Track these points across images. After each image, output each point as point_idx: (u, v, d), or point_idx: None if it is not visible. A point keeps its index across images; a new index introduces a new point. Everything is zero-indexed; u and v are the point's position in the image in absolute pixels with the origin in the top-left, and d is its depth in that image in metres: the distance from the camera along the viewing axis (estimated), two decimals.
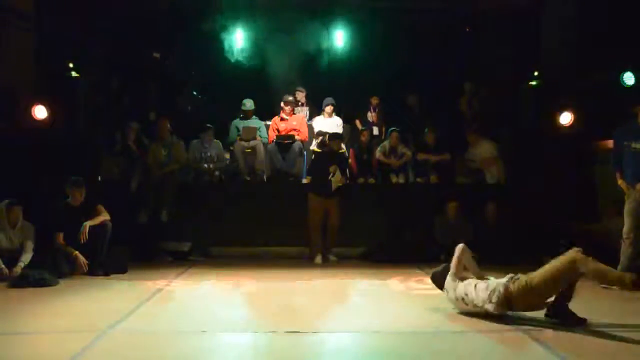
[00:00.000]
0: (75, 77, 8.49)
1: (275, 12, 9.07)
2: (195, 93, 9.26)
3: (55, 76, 8.32)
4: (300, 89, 9.29)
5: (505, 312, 3.93)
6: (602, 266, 3.79)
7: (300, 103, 9.23)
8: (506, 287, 3.87)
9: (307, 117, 9.17)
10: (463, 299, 4.09)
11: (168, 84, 9.18)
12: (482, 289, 3.97)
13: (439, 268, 4.39)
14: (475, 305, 4.01)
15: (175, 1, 9.07)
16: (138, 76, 9.09)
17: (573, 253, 3.80)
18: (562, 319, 3.88)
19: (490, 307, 3.90)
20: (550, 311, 3.94)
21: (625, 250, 5.43)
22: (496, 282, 3.97)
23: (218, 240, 7.71)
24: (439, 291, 4.82)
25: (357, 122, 9.48)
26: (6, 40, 7.80)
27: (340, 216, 7.31)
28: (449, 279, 4.22)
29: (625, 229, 5.44)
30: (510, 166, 8.19)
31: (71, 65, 8.37)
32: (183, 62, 9.32)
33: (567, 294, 3.89)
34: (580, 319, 3.87)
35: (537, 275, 3.82)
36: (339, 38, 9.63)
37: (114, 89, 8.91)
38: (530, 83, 9.15)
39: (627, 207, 5.46)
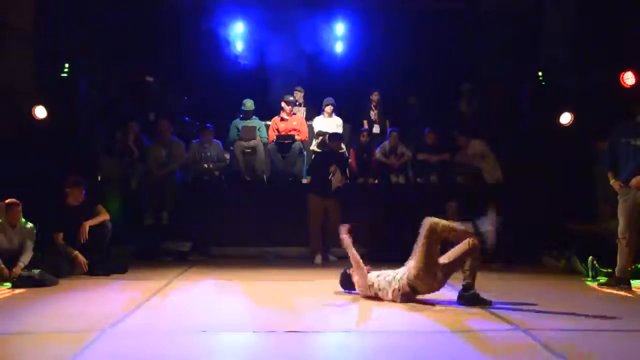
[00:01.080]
0: (75, 77, 8.49)
1: (275, 9, 9.08)
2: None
3: (55, 76, 8.34)
4: (299, 88, 9.26)
5: (411, 298, 4.53)
6: (452, 223, 4.50)
7: (297, 103, 9.22)
8: (407, 277, 4.48)
9: (304, 116, 9.16)
10: (372, 286, 4.68)
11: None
12: (387, 282, 4.59)
13: (342, 275, 4.99)
14: (380, 292, 4.62)
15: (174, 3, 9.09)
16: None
17: (427, 222, 4.45)
18: (467, 302, 4.43)
19: (397, 299, 4.51)
20: (459, 299, 4.51)
21: (622, 250, 5.43)
22: (398, 276, 4.57)
23: (218, 240, 7.71)
24: (438, 291, 4.85)
25: (365, 123, 9.41)
26: (6, 40, 7.81)
27: (340, 216, 7.31)
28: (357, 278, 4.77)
29: (620, 228, 5.44)
30: (510, 166, 8.18)
31: (68, 65, 8.37)
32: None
33: (469, 279, 4.50)
34: (486, 300, 4.44)
35: (416, 257, 4.44)
36: (340, 37, 9.63)
37: (114, 90, 8.91)
38: (531, 83, 9.15)
39: (621, 207, 5.45)
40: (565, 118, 8.10)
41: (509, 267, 6.60)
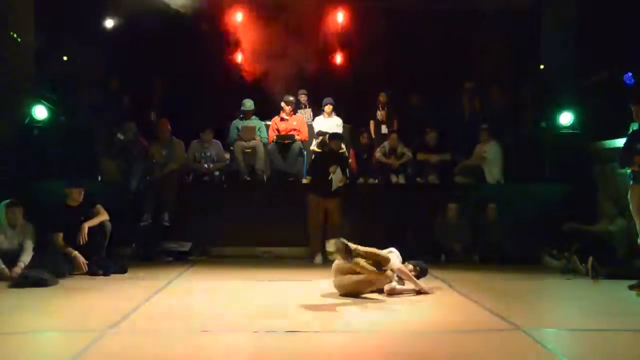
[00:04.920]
0: (76, 77, 8.49)
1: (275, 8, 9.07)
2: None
3: (55, 76, 8.34)
4: (303, 91, 9.27)
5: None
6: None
7: (303, 105, 9.22)
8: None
9: (311, 118, 9.16)
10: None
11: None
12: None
13: None
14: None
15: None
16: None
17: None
18: None
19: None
20: None
21: None
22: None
23: (218, 240, 7.71)
24: (437, 292, 4.84)
25: (372, 124, 9.36)
26: (7, 40, 7.82)
27: (340, 216, 7.30)
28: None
29: (638, 227, 5.47)
30: (510, 166, 8.18)
31: (68, 65, 8.38)
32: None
33: None
34: None
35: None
36: (342, 36, 9.62)
37: (114, 89, 8.90)
38: (531, 82, 9.15)
39: (633, 207, 5.49)
40: (565, 118, 8.11)
41: None
